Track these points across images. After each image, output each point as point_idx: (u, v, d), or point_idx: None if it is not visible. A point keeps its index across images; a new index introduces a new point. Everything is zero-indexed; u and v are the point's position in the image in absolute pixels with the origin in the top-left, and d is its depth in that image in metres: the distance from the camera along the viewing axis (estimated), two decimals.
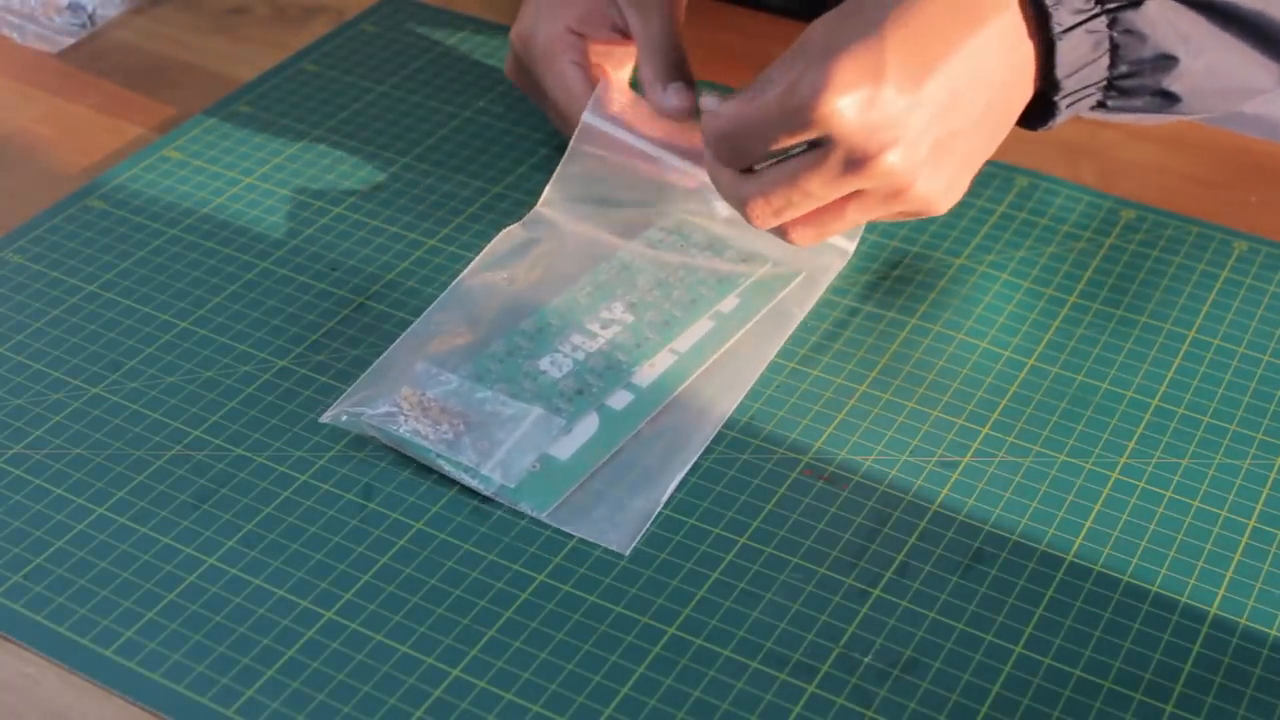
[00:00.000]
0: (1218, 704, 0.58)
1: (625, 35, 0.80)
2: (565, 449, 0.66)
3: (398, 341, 0.71)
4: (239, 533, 0.64)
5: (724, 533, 0.64)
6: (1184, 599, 0.62)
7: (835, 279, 0.75)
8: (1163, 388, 0.70)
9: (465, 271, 0.75)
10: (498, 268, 0.75)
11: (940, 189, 0.67)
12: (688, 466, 0.66)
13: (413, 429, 0.66)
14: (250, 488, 0.66)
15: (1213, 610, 0.61)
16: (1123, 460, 0.67)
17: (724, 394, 0.69)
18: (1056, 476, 0.66)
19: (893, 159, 0.64)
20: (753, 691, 0.58)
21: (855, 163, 0.64)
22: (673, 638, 0.60)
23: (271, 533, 0.64)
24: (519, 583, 0.62)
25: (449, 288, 0.74)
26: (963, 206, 0.80)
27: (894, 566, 0.63)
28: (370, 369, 0.70)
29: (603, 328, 0.71)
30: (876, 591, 0.62)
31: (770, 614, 0.61)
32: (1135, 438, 0.68)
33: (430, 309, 0.73)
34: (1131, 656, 0.60)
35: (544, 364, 0.69)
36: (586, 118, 0.77)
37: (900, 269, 0.77)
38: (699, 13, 0.95)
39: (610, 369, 0.69)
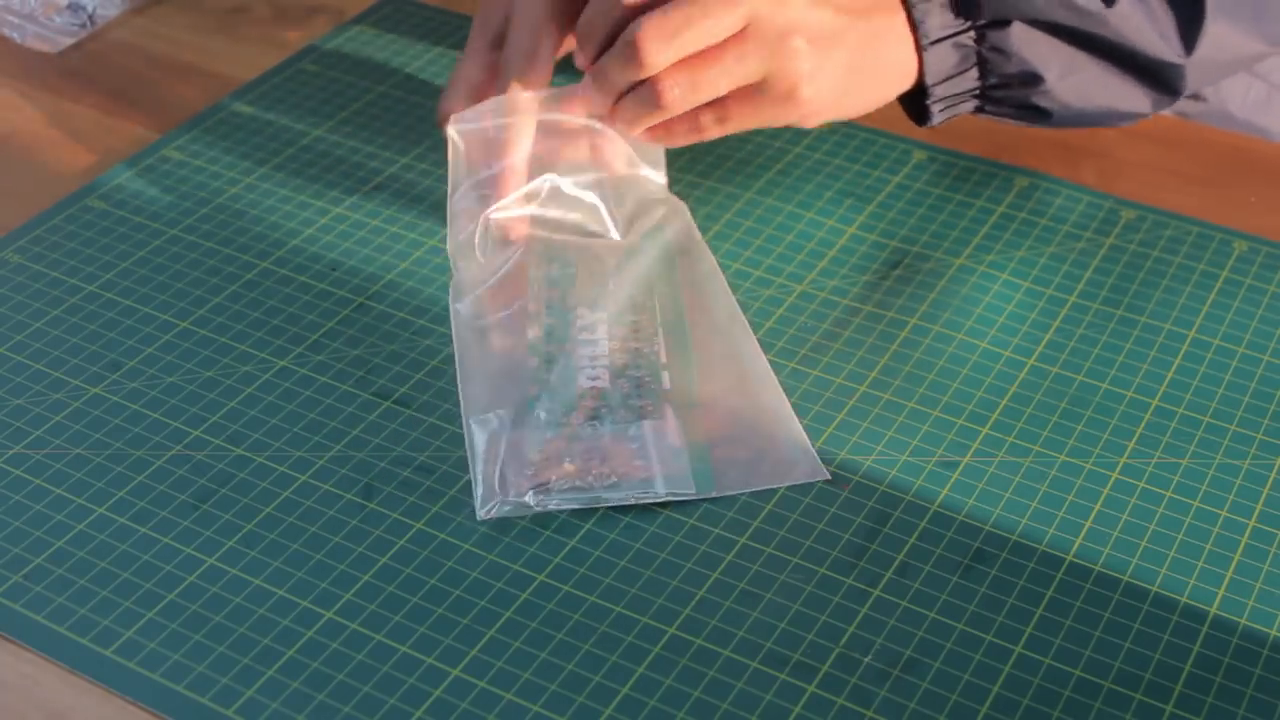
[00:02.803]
0: (1218, 704, 0.58)
1: None
2: (677, 439, 0.67)
3: (479, 439, 0.67)
4: (239, 533, 0.64)
5: (724, 533, 0.64)
6: (1184, 599, 0.62)
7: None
8: (1163, 388, 0.70)
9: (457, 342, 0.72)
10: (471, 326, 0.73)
11: (814, 64, 0.68)
12: (774, 381, 0.69)
13: (569, 488, 0.65)
14: (250, 488, 0.66)
15: (1213, 610, 0.61)
16: (1123, 460, 0.67)
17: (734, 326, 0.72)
18: (1056, 476, 0.66)
19: None
20: (753, 691, 0.58)
21: None
22: (673, 638, 0.60)
23: (271, 533, 0.64)
24: (519, 583, 0.62)
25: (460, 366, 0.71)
26: (962, 206, 0.80)
27: (894, 566, 0.63)
28: (477, 466, 0.66)
29: (590, 333, 0.71)
30: (876, 591, 0.62)
31: (770, 614, 0.61)
32: (1135, 438, 0.68)
33: (463, 396, 0.69)
34: (1131, 656, 0.60)
35: (583, 382, 0.69)
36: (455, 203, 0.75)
37: (900, 269, 0.77)
38: None
39: (635, 360, 0.70)
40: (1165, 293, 0.75)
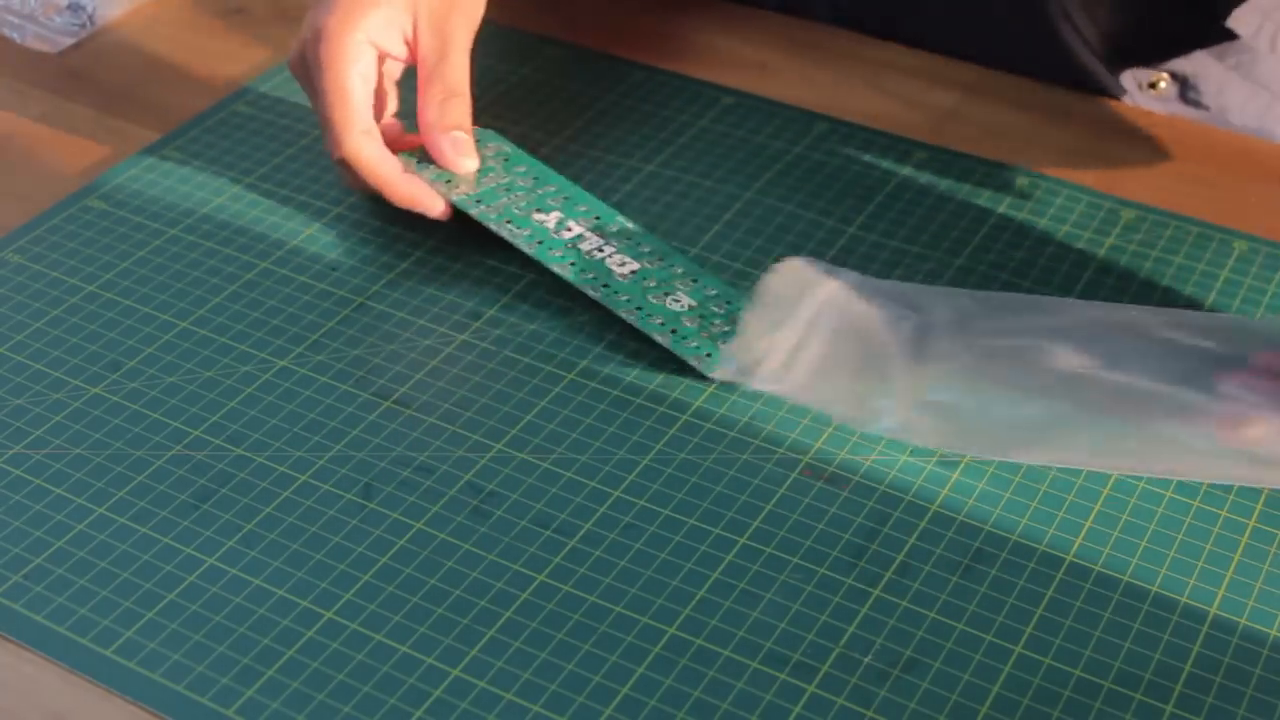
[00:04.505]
0: (1218, 704, 0.58)
1: (412, 55, 0.78)
2: None
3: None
4: (239, 533, 0.64)
5: (724, 533, 0.64)
6: (1184, 599, 0.62)
7: None
8: None
9: None
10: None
11: None
12: None
13: None
14: (250, 488, 0.66)
15: (1213, 610, 0.61)
16: None
17: None
18: (1056, 476, 0.66)
19: None
20: (753, 691, 0.58)
21: None
22: (673, 638, 0.60)
23: (271, 533, 0.64)
24: (519, 583, 0.62)
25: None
26: (962, 206, 0.80)
27: (894, 566, 0.63)
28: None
29: (568, 230, 0.75)
30: (876, 591, 0.62)
31: (770, 614, 0.61)
32: None
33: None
34: (1131, 656, 0.60)
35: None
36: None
37: (901, 269, 0.77)
38: (695, 13, 0.95)
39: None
40: (1165, 293, 0.75)
